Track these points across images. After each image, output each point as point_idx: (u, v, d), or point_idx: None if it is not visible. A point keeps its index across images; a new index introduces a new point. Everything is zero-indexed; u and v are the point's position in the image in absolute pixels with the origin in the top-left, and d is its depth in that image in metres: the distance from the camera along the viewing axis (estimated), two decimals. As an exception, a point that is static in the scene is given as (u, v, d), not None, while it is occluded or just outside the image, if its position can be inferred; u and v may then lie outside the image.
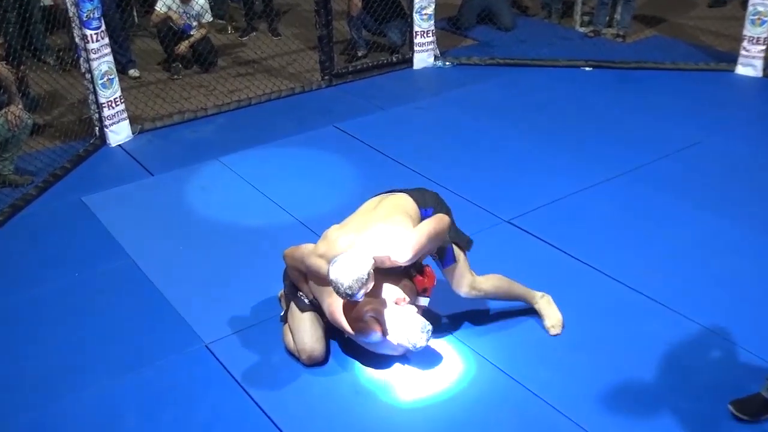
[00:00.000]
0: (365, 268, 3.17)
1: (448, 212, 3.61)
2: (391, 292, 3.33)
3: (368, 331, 3.31)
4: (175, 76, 7.00)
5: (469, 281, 3.57)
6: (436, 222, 3.39)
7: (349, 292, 3.16)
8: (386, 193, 3.61)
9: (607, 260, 4.22)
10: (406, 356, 3.54)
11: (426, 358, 3.57)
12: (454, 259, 3.52)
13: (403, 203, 3.49)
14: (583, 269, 4.19)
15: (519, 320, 3.82)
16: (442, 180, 5.06)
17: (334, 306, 3.36)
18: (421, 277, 3.42)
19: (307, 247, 3.45)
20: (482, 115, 6.14)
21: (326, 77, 6.86)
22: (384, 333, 3.31)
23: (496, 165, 5.36)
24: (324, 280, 3.31)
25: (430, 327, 3.33)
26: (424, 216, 3.48)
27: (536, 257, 4.30)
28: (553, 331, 3.71)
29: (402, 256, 3.24)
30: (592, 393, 3.36)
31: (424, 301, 3.45)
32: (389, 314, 3.30)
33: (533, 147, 5.59)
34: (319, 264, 3.31)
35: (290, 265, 3.57)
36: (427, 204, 3.54)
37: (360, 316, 3.30)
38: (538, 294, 3.79)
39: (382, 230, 3.30)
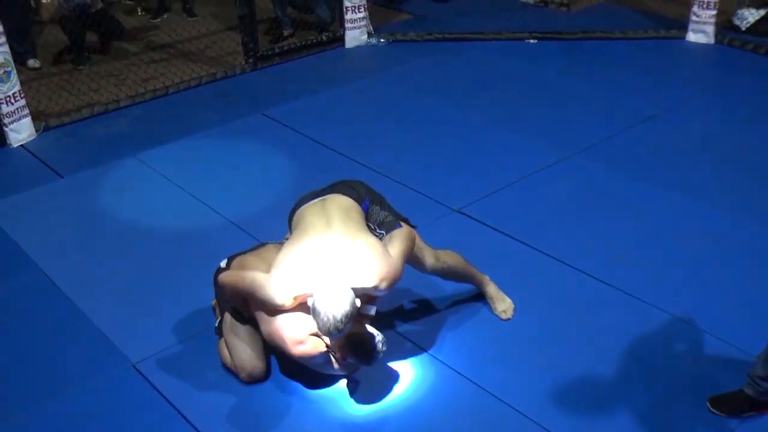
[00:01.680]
0: (351, 302, 3.06)
1: (379, 197, 3.62)
2: None
3: (313, 352, 3.21)
4: (81, 67, 6.78)
5: (432, 254, 3.62)
6: (406, 240, 3.39)
7: (340, 329, 3.04)
8: (318, 197, 3.50)
9: (567, 248, 4.25)
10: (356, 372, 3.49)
11: (378, 365, 3.52)
12: None
13: (348, 207, 3.42)
14: (541, 259, 4.20)
15: (475, 319, 3.81)
16: (384, 168, 5.03)
17: (273, 327, 3.23)
18: None
19: (255, 277, 3.24)
20: (423, 95, 6.13)
21: (250, 60, 6.74)
22: (331, 352, 3.23)
23: (441, 149, 5.35)
24: (272, 310, 3.21)
25: (382, 338, 3.25)
26: (364, 210, 3.47)
27: (490, 248, 4.30)
28: (504, 316, 3.79)
29: (385, 289, 3.21)
30: (554, 391, 3.37)
31: (370, 310, 3.38)
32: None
33: (480, 128, 5.59)
34: (282, 298, 3.15)
35: (230, 295, 3.42)
36: (362, 197, 3.52)
37: (304, 336, 3.20)
38: (487, 277, 3.87)
39: (354, 257, 3.18)
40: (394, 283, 3.25)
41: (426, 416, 3.30)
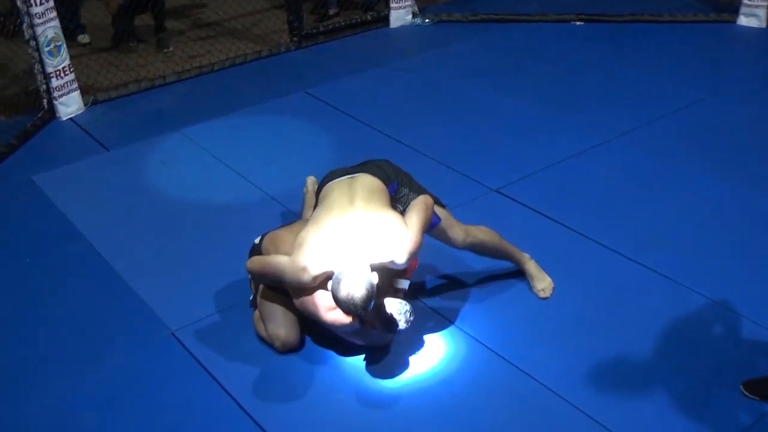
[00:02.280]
0: (371, 281, 3.11)
1: (407, 179, 3.63)
2: None
3: (345, 320, 3.24)
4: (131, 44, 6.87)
5: (462, 229, 3.63)
6: (423, 210, 3.40)
7: (362, 310, 3.10)
8: (347, 175, 3.52)
9: (605, 230, 4.23)
10: (388, 344, 3.52)
11: (413, 340, 3.57)
12: (438, 217, 3.54)
13: (374, 187, 3.44)
14: (579, 240, 4.19)
15: (509, 297, 3.82)
16: (424, 147, 5.05)
17: (305, 297, 3.29)
18: None
19: (279, 262, 3.30)
20: (466, 76, 6.11)
21: (295, 39, 6.79)
22: (361, 320, 3.28)
23: (482, 130, 5.34)
24: (301, 289, 3.27)
25: (409, 308, 3.31)
26: (391, 192, 3.49)
27: (527, 228, 4.30)
28: (542, 295, 3.79)
29: (403, 262, 3.23)
30: (589, 372, 3.38)
31: (403, 284, 3.43)
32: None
33: (522, 109, 5.58)
34: (306, 278, 3.21)
35: (259, 278, 3.48)
36: (390, 179, 3.53)
37: (335, 305, 3.23)
38: (526, 255, 3.86)
39: (372, 232, 3.23)
40: (412, 255, 3.26)
41: (457, 391, 3.33)
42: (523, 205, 4.49)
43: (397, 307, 3.29)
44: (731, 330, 3.59)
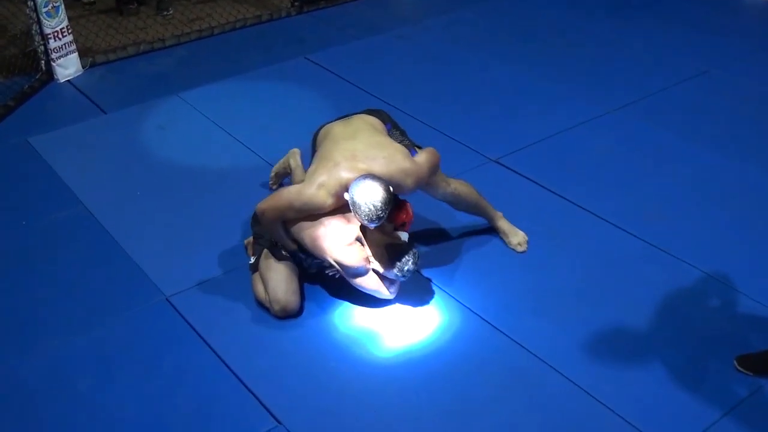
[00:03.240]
0: (385, 187, 3.24)
1: (401, 128, 3.77)
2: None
3: (354, 261, 3.33)
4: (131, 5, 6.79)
5: (444, 179, 3.72)
6: (433, 154, 3.57)
7: (381, 215, 3.21)
8: (344, 117, 3.68)
9: (604, 202, 4.20)
10: (390, 300, 3.53)
11: (408, 309, 3.56)
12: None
13: (372, 122, 3.63)
14: (577, 212, 4.16)
15: (504, 267, 3.81)
16: (424, 116, 5.00)
17: (317, 235, 3.36)
18: (398, 212, 3.42)
19: (291, 189, 3.42)
20: (467, 44, 6.05)
21: (296, 3, 6.72)
22: (369, 261, 3.37)
23: (482, 99, 5.29)
24: (314, 218, 3.36)
25: (416, 250, 3.39)
26: (387, 130, 3.65)
27: (526, 199, 4.27)
28: (520, 249, 3.89)
29: (412, 185, 3.42)
30: (583, 344, 3.37)
31: (402, 236, 3.48)
32: (373, 240, 3.38)
33: (523, 79, 5.52)
34: (321, 195, 3.31)
35: (271, 218, 3.47)
36: (385, 120, 3.69)
37: (346, 244, 3.34)
38: (499, 213, 3.96)
39: (378, 153, 3.38)
40: (420, 182, 3.44)
41: (451, 362, 3.32)
42: (522, 175, 4.46)
43: (403, 249, 3.36)
44: (726, 304, 3.58)
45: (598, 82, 5.45)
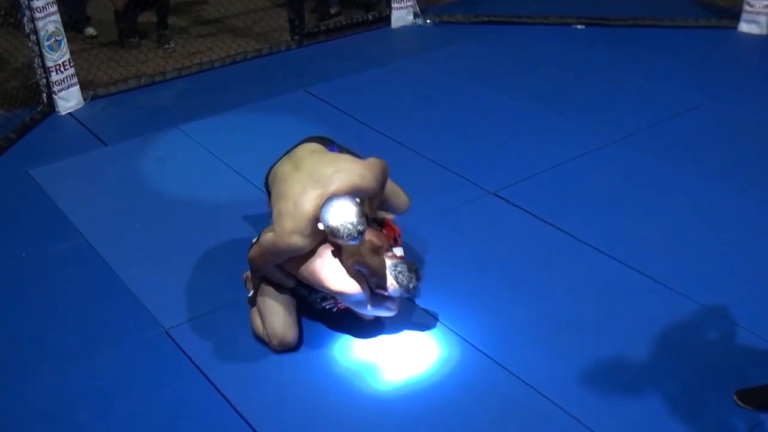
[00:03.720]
0: (355, 202, 3.24)
1: (351, 150, 3.80)
2: (366, 243, 3.38)
3: (353, 286, 3.33)
4: (131, 40, 6.84)
5: (406, 194, 3.80)
6: (378, 161, 3.54)
7: (360, 229, 3.20)
8: (287, 153, 3.69)
9: (601, 235, 4.21)
10: (390, 323, 3.56)
11: (406, 342, 3.56)
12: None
13: (313, 148, 3.64)
14: (575, 245, 4.17)
15: (502, 299, 3.81)
16: (423, 149, 5.03)
17: (314, 265, 3.37)
18: (384, 229, 3.45)
19: (267, 237, 3.41)
20: (466, 77, 6.09)
21: (296, 37, 6.77)
22: (370, 286, 3.37)
23: (480, 131, 5.32)
24: (300, 257, 3.35)
25: (415, 265, 3.40)
26: (332, 151, 3.68)
27: (524, 232, 4.28)
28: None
29: (373, 184, 3.41)
30: (581, 376, 3.36)
31: (399, 251, 3.52)
32: (374, 264, 3.37)
33: (521, 112, 5.55)
34: (296, 240, 3.30)
35: (262, 264, 3.50)
36: (327, 144, 3.71)
37: (342, 275, 3.34)
38: None
39: (326, 172, 3.37)
40: (380, 179, 3.45)
41: (449, 395, 3.31)
42: (520, 208, 4.47)
43: (406, 266, 3.37)
44: (725, 337, 3.57)
45: (597, 114, 5.48)
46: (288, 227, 3.29)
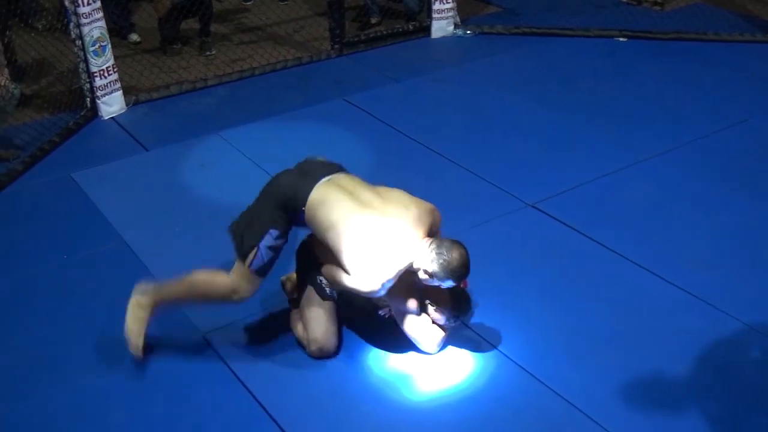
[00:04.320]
0: (455, 241, 3.28)
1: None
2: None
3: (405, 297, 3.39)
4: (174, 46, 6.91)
5: None
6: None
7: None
8: (321, 179, 3.46)
9: (642, 250, 4.16)
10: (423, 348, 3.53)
11: (442, 354, 3.54)
12: None
13: (355, 178, 3.51)
14: (614, 259, 4.13)
15: (540, 313, 3.78)
16: (461, 159, 5.02)
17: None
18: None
19: (347, 283, 3.29)
20: (506, 88, 6.07)
21: (336, 46, 6.79)
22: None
23: (520, 143, 5.29)
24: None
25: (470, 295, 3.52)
26: None
27: (562, 245, 4.25)
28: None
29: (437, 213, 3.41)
30: (618, 393, 3.32)
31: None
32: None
33: (561, 124, 5.52)
34: (381, 289, 3.24)
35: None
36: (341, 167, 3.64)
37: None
38: None
39: (414, 211, 3.30)
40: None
41: (486, 409, 3.28)
42: (559, 221, 4.44)
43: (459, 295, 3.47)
44: (766, 356, 3.50)
45: (638, 128, 5.43)
46: (379, 279, 3.18)
